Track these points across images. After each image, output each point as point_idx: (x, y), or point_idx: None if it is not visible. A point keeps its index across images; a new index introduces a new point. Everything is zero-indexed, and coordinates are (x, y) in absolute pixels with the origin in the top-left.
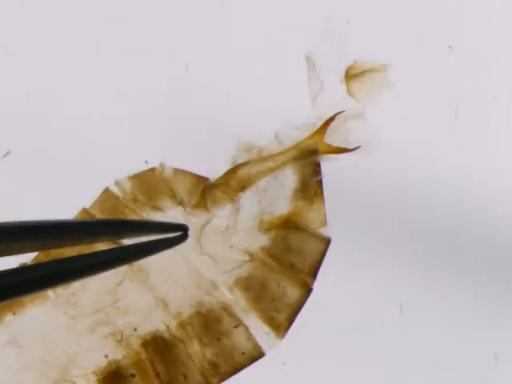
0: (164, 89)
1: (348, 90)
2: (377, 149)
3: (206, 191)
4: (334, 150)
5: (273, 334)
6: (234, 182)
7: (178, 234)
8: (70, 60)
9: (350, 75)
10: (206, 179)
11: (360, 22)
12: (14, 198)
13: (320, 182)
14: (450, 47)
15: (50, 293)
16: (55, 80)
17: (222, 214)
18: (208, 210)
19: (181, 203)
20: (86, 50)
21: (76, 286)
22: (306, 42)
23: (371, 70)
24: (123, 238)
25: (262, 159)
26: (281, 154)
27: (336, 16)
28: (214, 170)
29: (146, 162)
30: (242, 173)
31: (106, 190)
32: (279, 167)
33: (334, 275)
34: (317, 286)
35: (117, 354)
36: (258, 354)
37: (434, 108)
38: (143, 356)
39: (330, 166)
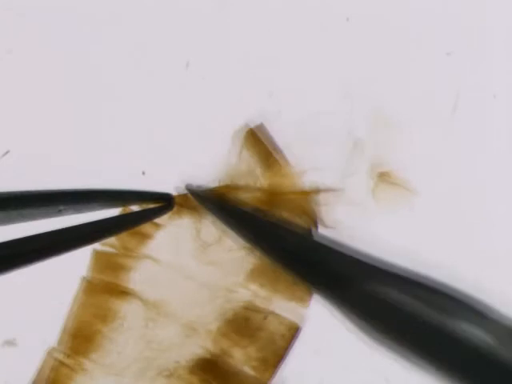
0: (164, 86)
1: (373, 187)
2: None
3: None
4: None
5: (300, 306)
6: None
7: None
8: (70, 59)
9: (381, 176)
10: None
11: (360, 20)
12: None
13: (278, 150)
14: (450, 44)
15: (86, 362)
16: (55, 79)
17: (208, 225)
18: (196, 219)
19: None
20: (86, 49)
21: (106, 346)
22: (306, 40)
23: (401, 186)
24: (110, 207)
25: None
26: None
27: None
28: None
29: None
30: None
31: (94, 252)
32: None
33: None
34: None
35: None
36: (295, 330)
37: (433, 106)
38: (196, 382)
39: None
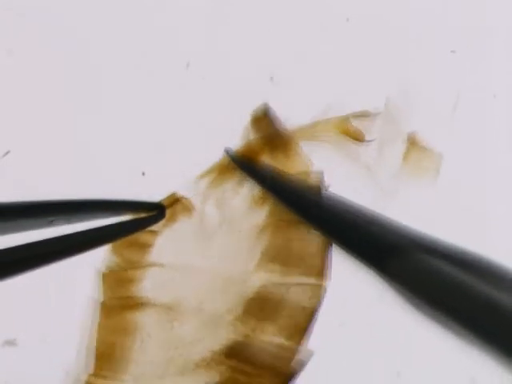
0: (164, 86)
1: (405, 151)
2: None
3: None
4: (354, 132)
5: (319, 281)
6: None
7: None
8: (70, 59)
9: (413, 141)
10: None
11: (359, 20)
12: (13, 198)
13: (282, 131)
14: (451, 44)
15: (125, 378)
16: (55, 80)
17: (210, 214)
18: (192, 213)
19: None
20: (86, 49)
21: (138, 358)
22: (306, 41)
23: (428, 152)
24: (101, 218)
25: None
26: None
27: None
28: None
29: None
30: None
31: (102, 275)
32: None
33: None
34: None
35: (215, 376)
36: (322, 290)
37: (433, 106)
38: (234, 363)
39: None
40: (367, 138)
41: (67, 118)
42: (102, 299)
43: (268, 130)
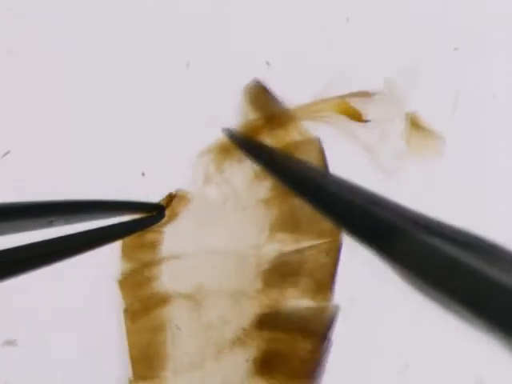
0: (164, 86)
1: (406, 132)
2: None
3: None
4: (352, 112)
5: (334, 240)
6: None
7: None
8: (70, 59)
9: (413, 121)
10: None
11: (359, 20)
12: (13, 198)
13: (282, 110)
14: (452, 43)
15: (166, 375)
16: (55, 80)
17: (213, 195)
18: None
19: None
20: (86, 49)
21: (174, 353)
22: (307, 40)
23: (430, 132)
24: (101, 218)
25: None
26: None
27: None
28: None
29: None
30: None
31: (119, 282)
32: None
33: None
34: None
35: (252, 351)
36: (338, 245)
37: (432, 106)
38: (267, 334)
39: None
40: (365, 118)
41: (67, 118)
42: (124, 306)
43: (267, 107)
